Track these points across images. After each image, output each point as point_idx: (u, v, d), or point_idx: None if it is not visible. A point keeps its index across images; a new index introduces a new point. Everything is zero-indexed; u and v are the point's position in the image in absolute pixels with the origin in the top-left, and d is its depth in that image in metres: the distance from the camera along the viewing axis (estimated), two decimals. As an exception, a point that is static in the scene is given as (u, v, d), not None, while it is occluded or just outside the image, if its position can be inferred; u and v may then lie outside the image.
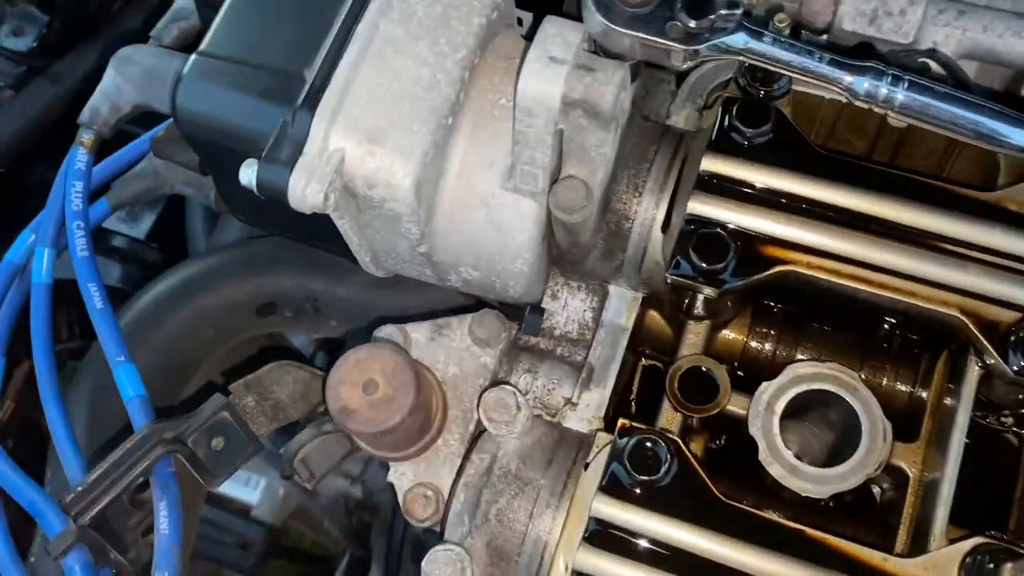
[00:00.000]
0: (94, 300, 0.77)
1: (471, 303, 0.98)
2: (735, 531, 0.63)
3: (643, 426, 0.66)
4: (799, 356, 0.80)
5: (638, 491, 0.65)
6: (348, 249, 0.82)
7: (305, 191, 0.65)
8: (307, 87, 0.67)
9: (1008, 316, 0.66)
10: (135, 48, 0.82)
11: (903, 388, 0.77)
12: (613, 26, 0.62)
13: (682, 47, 0.62)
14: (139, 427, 0.71)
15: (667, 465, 0.64)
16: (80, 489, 0.64)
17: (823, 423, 0.77)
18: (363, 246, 0.77)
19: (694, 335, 0.78)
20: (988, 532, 0.63)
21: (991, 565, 0.60)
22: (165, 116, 0.85)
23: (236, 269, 0.99)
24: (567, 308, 0.81)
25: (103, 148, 0.89)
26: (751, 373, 0.79)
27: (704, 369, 0.75)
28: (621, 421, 0.67)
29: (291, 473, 0.78)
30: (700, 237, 0.69)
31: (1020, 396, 0.69)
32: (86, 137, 0.81)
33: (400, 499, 0.72)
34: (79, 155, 0.81)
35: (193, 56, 0.70)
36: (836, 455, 0.73)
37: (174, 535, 0.64)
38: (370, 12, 0.69)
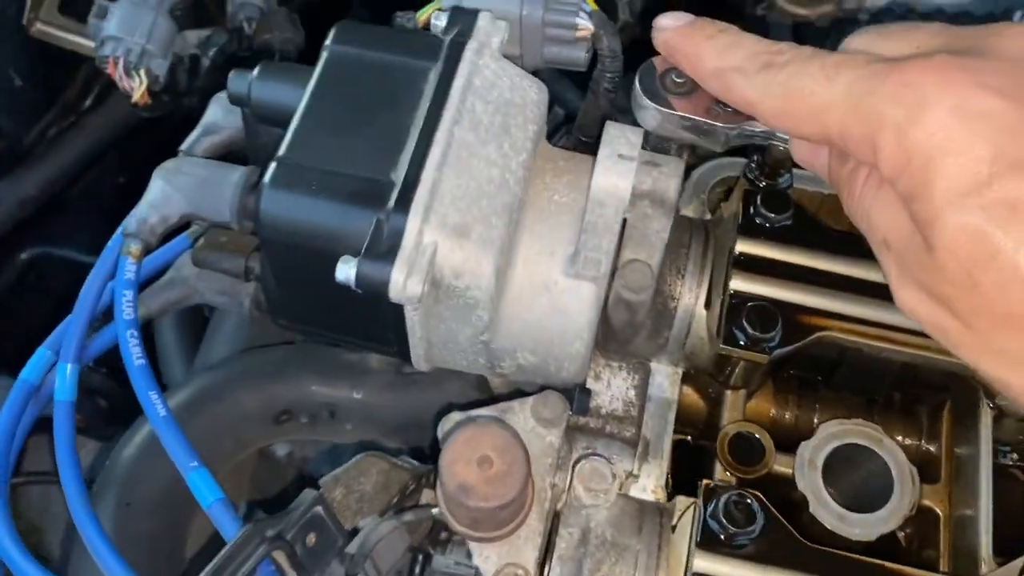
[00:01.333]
0: (157, 409, 0.76)
1: (485, 396, 1.02)
2: (826, 571, 0.69)
3: (726, 484, 0.72)
4: (815, 418, 0.89)
5: (733, 544, 0.70)
6: (383, 346, 0.85)
7: (407, 283, 0.69)
8: (396, 189, 0.72)
9: None
10: (182, 159, 0.84)
11: (911, 441, 0.87)
12: (663, 109, 0.70)
13: (725, 126, 0.71)
14: (226, 530, 0.71)
15: (759, 517, 0.70)
16: (195, 591, 0.63)
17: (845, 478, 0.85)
18: (423, 339, 0.80)
19: (733, 404, 0.85)
20: (1032, 552, 0.71)
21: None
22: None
23: (251, 378, 0.99)
24: (611, 388, 0.87)
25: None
26: (776, 438, 0.86)
27: (750, 433, 0.82)
28: (705, 482, 0.73)
29: (358, 571, 0.78)
30: (750, 310, 0.77)
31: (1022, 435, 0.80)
32: (134, 247, 0.81)
33: (489, 582, 0.73)
34: (128, 265, 0.81)
35: (273, 163, 0.74)
36: (863, 505, 0.81)
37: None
38: (445, 120, 0.75)
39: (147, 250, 0.83)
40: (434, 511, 0.76)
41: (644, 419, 0.83)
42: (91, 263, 0.85)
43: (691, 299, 0.82)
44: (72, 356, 0.85)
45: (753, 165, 0.86)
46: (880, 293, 0.79)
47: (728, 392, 0.85)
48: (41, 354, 0.87)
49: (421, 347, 0.81)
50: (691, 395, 0.90)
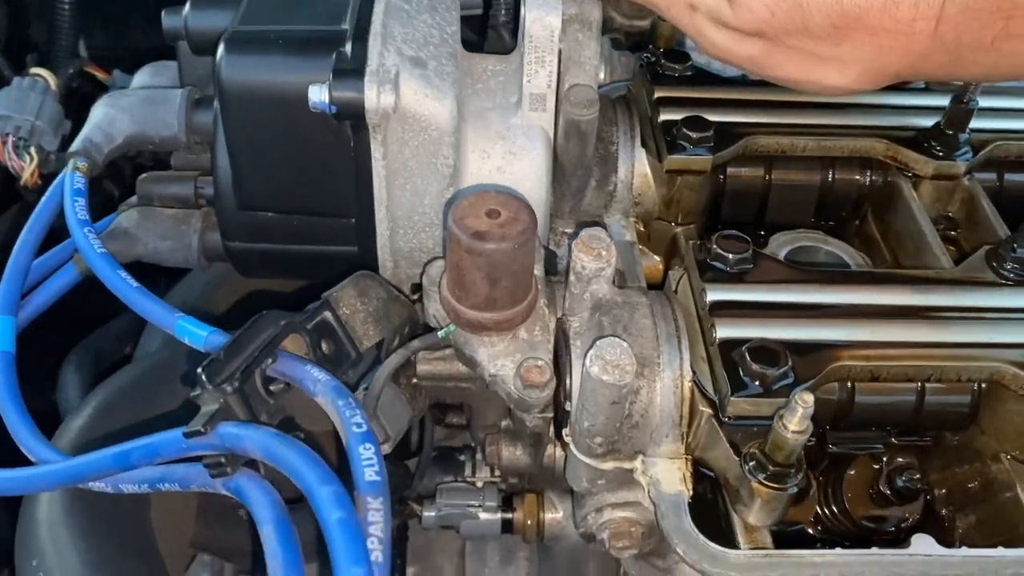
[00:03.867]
0: (128, 283, 0.72)
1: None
2: (829, 280, 0.73)
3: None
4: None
5: (736, 274, 0.73)
6: (349, 252, 0.85)
7: (380, 95, 0.72)
8: (351, 33, 0.77)
9: (911, 133, 0.88)
10: (120, 90, 0.85)
11: (846, 261, 0.94)
12: None
13: None
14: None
15: (750, 247, 0.74)
16: (216, 358, 0.57)
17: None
18: (388, 214, 0.82)
19: (687, 237, 0.90)
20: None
21: (1010, 244, 0.75)
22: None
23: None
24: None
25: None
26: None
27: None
28: (691, 241, 0.76)
29: (372, 419, 0.73)
30: (684, 121, 0.85)
31: (942, 200, 0.89)
32: (81, 163, 0.80)
33: (511, 383, 0.71)
34: (77, 178, 0.79)
35: (226, 34, 0.77)
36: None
37: (332, 378, 0.58)
38: (379, -8, 0.82)
39: (93, 170, 0.81)
40: (440, 332, 0.74)
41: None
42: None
43: (628, 141, 0.89)
44: (9, 308, 0.79)
45: (646, 54, 0.97)
46: (783, 107, 0.90)
47: (680, 232, 0.90)
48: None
49: (386, 224, 0.82)
50: (647, 262, 0.93)
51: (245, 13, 0.80)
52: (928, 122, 0.89)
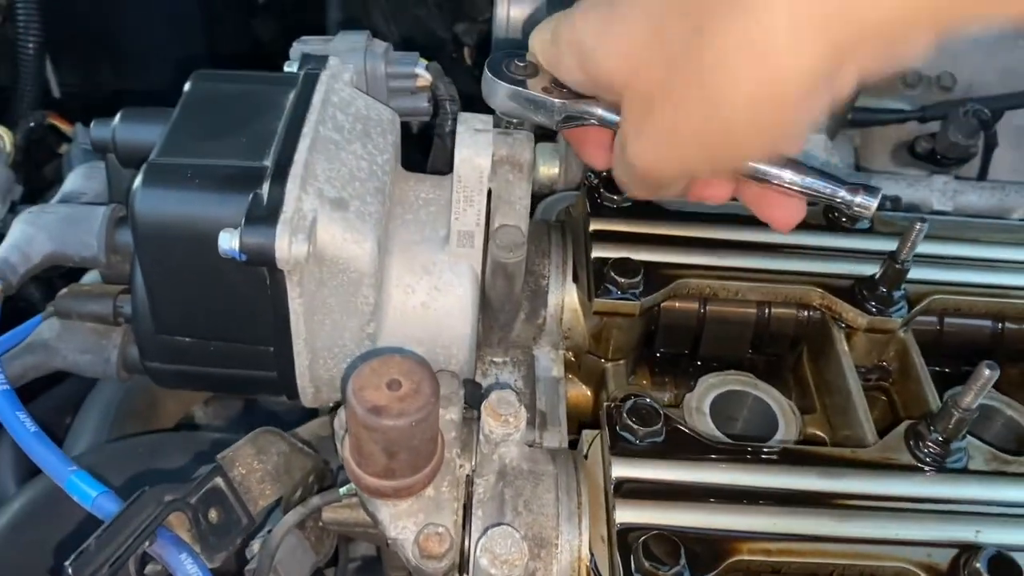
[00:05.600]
0: (26, 426, 0.71)
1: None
2: (738, 460, 0.71)
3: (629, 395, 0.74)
4: (691, 394, 0.93)
5: (644, 448, 0.71)
6: (267, 380, 0.84)
7: (291, 244, 0.71)
8: (270, 171, 0.75)
9: (847, 282, 0.87)
10: (41, 206, 0.84)
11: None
12: (510, 86, 0.77)
13: (559, 101, 0.78)
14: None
15: (662, 420, 0.72)
16: (85, 548, 0.56)
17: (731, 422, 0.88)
18: (307, 344, 0.80)
19: (616, 377, 0.89)
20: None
21: (929, 427, 0.73)
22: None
23: (118, 463, 0.92)
24: (498, 382, 0.88)
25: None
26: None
27: (636, 392, 0.85)
28: (606, 403, 0.74)
29: (272, 570, 0.72)
30: (614, 264, 0.84)
31: (874, 352, 0.87)
32: (-7, 286, 0.78)
33: (409, 548, 0.70)
34: (-12, 302, 0.77)
35: (144, 166, 0.76)
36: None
37: (205, 573, 0.57)
38: (309, 122, 0.80)
39: (7, 292, 0.80)
40: (342, 489, 0.73)
41: (537, 396, 0.85)
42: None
43: (560, 276, 0.88)
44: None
45: (590, 172, 0.96)
46: (718, 247, 0.89)
47: (610, 367, 0.89)
48: None
49: (305, 355, 0.81)
50: (577, 392, 0.92)
51: (167, 141, 0.78)
52: (867, 268, 0.87)
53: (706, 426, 0.82)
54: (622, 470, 0.70)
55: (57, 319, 0.87)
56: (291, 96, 0.84)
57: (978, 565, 0.64)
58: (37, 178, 1.56)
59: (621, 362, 0.89)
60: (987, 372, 0.68)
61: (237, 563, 0.70)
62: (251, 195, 0.73)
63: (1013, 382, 0.94)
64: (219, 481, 0.66)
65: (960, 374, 0.95)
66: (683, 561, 0.63)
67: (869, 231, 0.92)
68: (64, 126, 1.50)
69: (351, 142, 0.82)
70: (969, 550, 0.66)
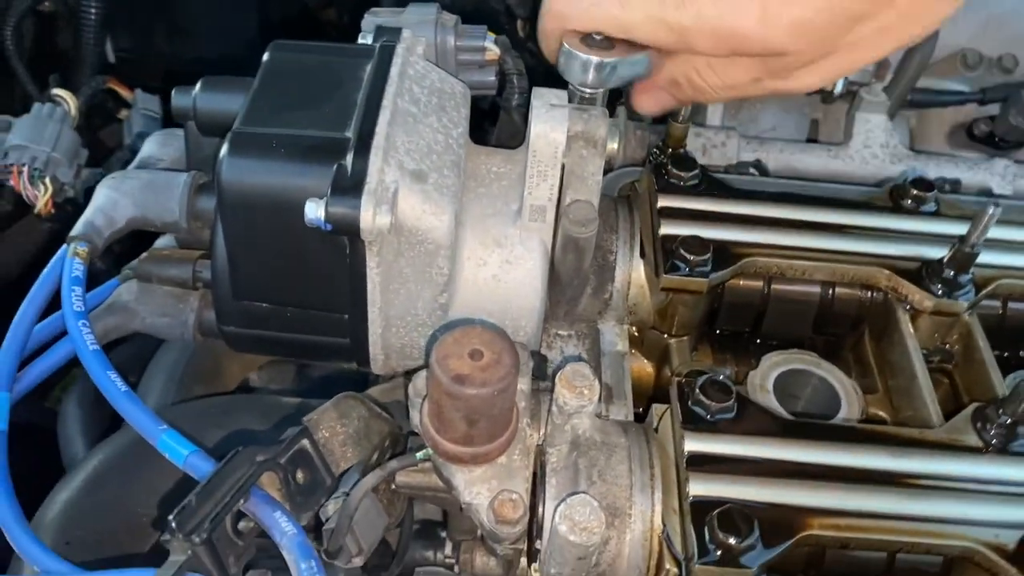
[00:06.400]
0: (117, 385, 0.73)
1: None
2: (809, 437, 0.73)
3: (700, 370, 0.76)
4: (754, 370, 0.94)
5: (715, 423, 0.72)
6: (340, 345, 0.86)
7: (375, 215, 0.72)
8: (353, 143, 0.77)
9: (914, 264, 0.87)
10: (127, 171, 0.86)
11: (842, 376, 0.94)
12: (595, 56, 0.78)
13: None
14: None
15: (734, 396, 0.73)
16: (187, 503, 0.58)
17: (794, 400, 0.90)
18: (381, 312, 0.82)
19: (679, 352, 0.90)
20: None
21: (996, 410, 0.74)
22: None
23: (191, 424, 0.95)
24: (564, 354, 0.90)
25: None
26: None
27: (701, 367, 0.87)
28: (676, 376, 0.76)
29: (341, 544, 0.74)
30: (683, 241, 0.85)
31: (938, 335, 0.88)
32: (80, 248, 0.81)
33: (485, 513, 0.72)
34: (75, 264, 0.80)
35: (230, 135, 0.77)
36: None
37: (302, 531, 0.59)
38: (388, 94, 0.81)
39: (94, 254, 0.82)
40: (419, 453, 0.75)
41: (602, 370, 0.86)
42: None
43: (626, 250, 0.89)
44: (4, 384, 0.80)
45: (656, 149, 0.97)
46: (785, 226, 0.89)
47: (673, 343, 0.90)
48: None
49: (379, 323, 0.83)
50: (639, 366, 0.94)
51: (250, 110, 0.80)
52: (934, 252, 0.88)
53: (770, 403, 0.83)
54: (694, 444, 0.71)
55: (136, 282, 0.89)
56: (368, 68, 0.85)
57: (1047, 546, 0.65)
58: (96, 142, 1.59)
59: (684, 338, 0.90)
60: (1059, 361, 0.69)
61: (315, 522, 0.72)
62: (335, 166, 0.75)
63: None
64: (306, 443, 0.68)
65: (1020, 359, 0.96)
66: (757, 533, 0.65)
67: (935, 214, 0.93)
68: (124, 91, 1.53)
69: (427, 115, 0.83)
70: (1037, 532, 0.67)
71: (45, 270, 0.85)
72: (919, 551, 0.68)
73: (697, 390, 0.73)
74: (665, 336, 0.90)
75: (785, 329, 0.94)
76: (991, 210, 0.80)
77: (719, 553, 0.64)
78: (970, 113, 1.38)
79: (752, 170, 1.17)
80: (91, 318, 0.87)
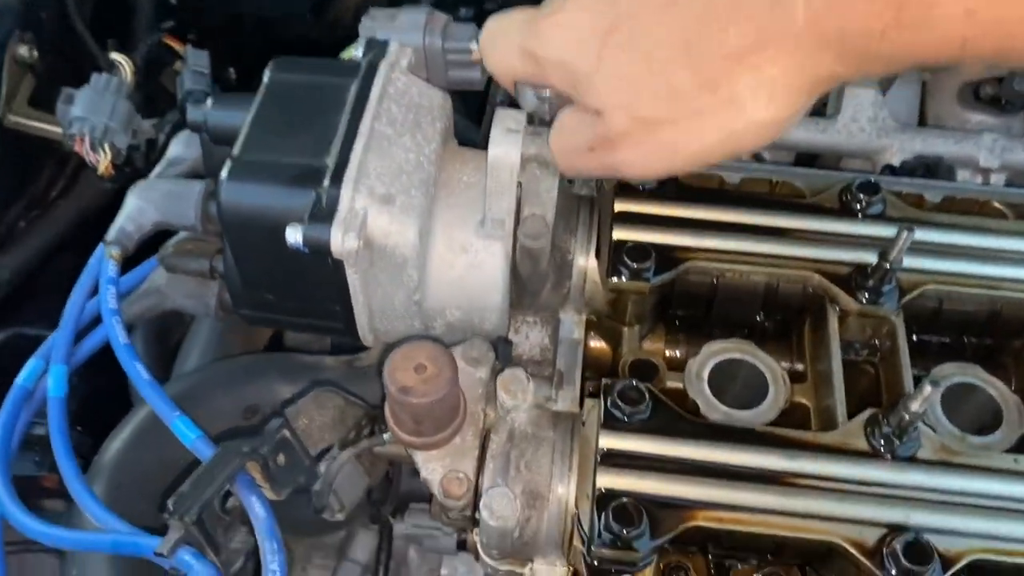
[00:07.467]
0: (141, 374, 0.90)
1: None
2: (711, 437, 0.85)
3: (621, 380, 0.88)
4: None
5: (631, 424, 0.85)
6: (336, 327, 1.01)
7: (344, 240, 0.85)
8: (330, 170, 0.89)
9: (846, 269, 0.95)
10: (152, 180, 1.01)
11: (785, 362, 1.03)
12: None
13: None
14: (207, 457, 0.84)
15: (648, 400, 0.85)
16: (182, 491, 0.75)
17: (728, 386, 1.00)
18: (364, 306, 0.96)
19: (630, 340, 1.02)
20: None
21: (884, 419, 0.84)
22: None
23: (223, 381, 1.13)
24: (528, 339, 1.02)
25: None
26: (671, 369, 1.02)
27: (645, 358, 0.98)
28: (604, 380, 0.88)
29: (325, 504, 0.91)
30: (628, 248, 0.95)
31: (867, 331, 0.97)
32: (115, 252, 0.97)
33: (436, 487, 0.87)
34: (111, 266, 0.96)
35: (229, 161, 0.91)
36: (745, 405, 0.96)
37: (270, 516, 0.76)
38: (366, 118, 0.92)
39: (125, 255, 0.98)
40: (385, 436, 0.90)
41: (557, 356, 0.99)
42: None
43: (583, 252, 1.00)
44: (62, 358, 0.98)
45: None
46: (730, 229, 0.98)
47: (625, 331, 1.02)
48: (34, 364, 1.01)
49: (364, 315, 0.97)
50: (597, 345, 1.06)
51: (248, 136, 0.92)
52: (871, 256, 0.95)
53: (703, 392, 0.94)
54: (609, 441, 0.84)
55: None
56: (353, 89, 0.96)
57: (896, 545, 0.77)
58: (158, 90, 1.74)
59: (636, 327, 1.01)
60: (928, 389, 0.78)
61: (305, 487, 0.89)
62: (314, 192, 0.88)
63: (1011, 352, 1.02)
64: (286, 432, 0.84)
65: (959, 345, 1.03)
66: (646, 523, 0.78)
67: (881, 216, 0.99)
68: (177, 45, 1.66)
69: (402, 135, 0.94)
70: (896, 531, 0.79)
71: (90, 261, 1.02)
72: (793, 544, 0.81)
73: (616, 394, 0.85)
74: (618, 324, 1.01)
75: (735, 314, 1.03)
76: (904, 235, 0.87)
77: (612, 539, 0.78)
78: (982, 71, 1.39)
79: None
80: (131, 299, 1.05)
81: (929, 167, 1.20)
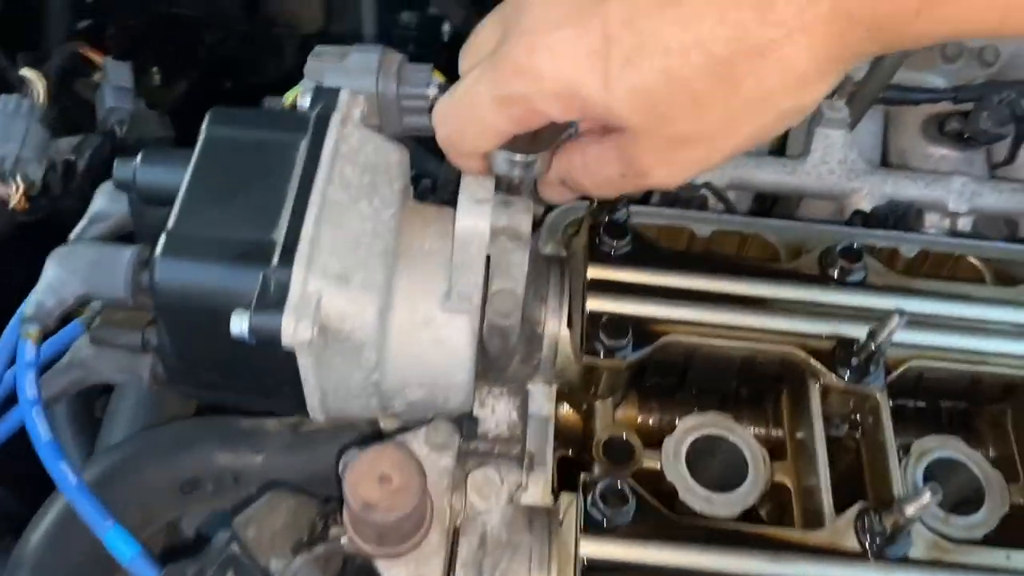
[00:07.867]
0: (68, 478, 0.80)
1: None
2: (697, 539, 0.79)
3: (601, 476, 0.82)
4: (676, 419, 1.00)
5: (613, 528, 0.79)
6: (283, 405, 0.92)
7: (297, 329, 0.77)
8: (279, 246, 0.80)
9: (828, 344, 0.91)
10: (74, 244, 0.90)
11: (761, 430, 0.99)
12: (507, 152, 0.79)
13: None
14: (149, 579, 0.75)
15: (631, 500, 0.80)
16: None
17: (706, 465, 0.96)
18: (316, 388, 0.87)
19: (603, 414, 0.96)
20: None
21: (876, 517, 0.80)
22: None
23: (156, 452, 1.03)
24: (495, 413, 0.95)
25: None
26: (645, 440, 0.96)
27: (619, 436, 0.92)
28: (583, 476, 0.82)
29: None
30: (604, 323, 0.88)
31: (849, 405, 0.93)
32: (32, 330, 0.86)
33: (401, 597, 0.80)
34: (28, 347, 0.85)
35: (163, 236, 0.81)
36: (725, 487, 0.91)
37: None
38: (318, 183, 0.84)
39: (45, 333, 0.87)
40: (343, 540, 0.82)
41: (527, 435, 0.92)
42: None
43: (555, 322, 0.93)
44: (-28, 445, 0.88)
45: (594, 204, 0.98)
46: (709, 300, 0.92)
47: (598, 403, 0.95)
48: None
49: (316, 396, 0.88)
50: (567, 414, 1.00)
51: (184, 205, 0.82)
52: (852, 329, 0.91)
53: (681, 475, 0.89)
54: (590, 548, 0.78)
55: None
56: (302, 146, 0.87)
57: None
58: (73, 102, 1.60)
59: (608, 400, 0.95)
60: (928, 496, 0.74)
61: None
62: (261, 274, 0.79)
63: (987, 418, 1.00)
64: (234, 547, 0.76)
65: (935, 409, 1.00)
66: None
67: (862, 284, 0.95)
68: (95, 56, 1.52)
69: (357, 200, 0.86)
70: (891, 639, 0.75)
71: (3, 334, 0.91)
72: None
73: (597, 494, 0.79)
74: (591, 396, 0.95)
75: (710, 383, 0.98)
76: (896, 319, 0.83)
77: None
78: (946, 105, 1.36)
79: (704, 192, 1.17)
80: (53, 372, 0.94)
81: (900, 216, 1.16)
